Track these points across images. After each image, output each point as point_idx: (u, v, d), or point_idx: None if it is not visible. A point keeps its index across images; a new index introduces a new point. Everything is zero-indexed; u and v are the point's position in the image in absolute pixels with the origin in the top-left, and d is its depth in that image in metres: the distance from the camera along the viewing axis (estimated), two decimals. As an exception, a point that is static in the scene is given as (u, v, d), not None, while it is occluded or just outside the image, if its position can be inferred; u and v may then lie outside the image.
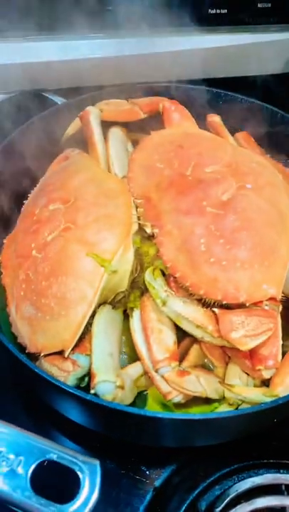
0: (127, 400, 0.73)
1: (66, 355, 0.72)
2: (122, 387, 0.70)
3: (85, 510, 0.48)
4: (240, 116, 1.05)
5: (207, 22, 1.07)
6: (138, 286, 0.79)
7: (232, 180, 0.78)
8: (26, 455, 0.52)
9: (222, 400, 0.76)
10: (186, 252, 0.73)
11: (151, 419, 0.65)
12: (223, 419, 0.66)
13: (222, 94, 1.06)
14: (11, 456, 0.51)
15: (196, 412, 0.77)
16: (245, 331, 0.68)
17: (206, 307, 0.72)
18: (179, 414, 0.66)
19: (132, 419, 0.66)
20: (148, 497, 0.78)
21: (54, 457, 0.51)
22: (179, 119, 0.94)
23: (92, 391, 0.69)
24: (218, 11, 1.05)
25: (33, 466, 0.51)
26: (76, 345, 0.73)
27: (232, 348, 0.71)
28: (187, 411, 0.78)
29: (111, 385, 0.69)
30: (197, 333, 0.72)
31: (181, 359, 0.76)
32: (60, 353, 0.73)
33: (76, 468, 0.51)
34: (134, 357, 0.78)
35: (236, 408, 0.75)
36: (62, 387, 0.65)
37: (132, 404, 0.75)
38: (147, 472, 0.81)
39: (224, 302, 0.71)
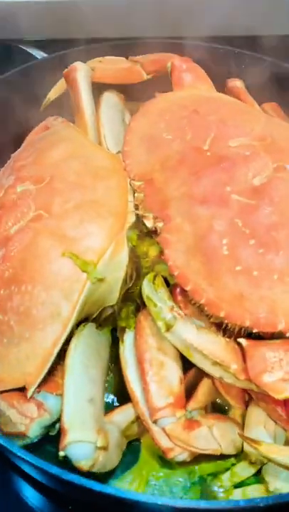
0: (111, 464, 0.60)
1: (29, 395, 0.60)
2: (104, 448, 0.55)
3: None
4: (266, 82, 0.91)
5: None
6: (132, 299, 0.68)
7: (267, 159, 0.65)
8: None
9: (240, 454, 0.64)
10: (201, 255, 0.61)
11: (137, 505, 0.47)
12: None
13: (246, 55, 0.94)
14: None
15: (205, 470, 0.66)
16: (283, 373, 0.55)
17: (229, 336, 0.59)
18: (177, 501, 0.49)
19: (111, 500, 0.47)
20: None
21: None
22: (192, 80, 0.81)
23: (61, 453, 0.54)
24: None
25: None
26: (44, 381, 0.61)
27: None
28: (193, 469, 0.66)
29: (89, 446, 0.54)
30: (214, 371, 0.58)
31: (186, 395, 0.64)
32: (22, 389, 0.62)
33: None
34: (124, 393, 0.66)
35: (260, 468, 0.63)
36: (13, 451, 0.46)
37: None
38: None
39: (254, 330, 0.58)
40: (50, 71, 0.90)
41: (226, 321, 0.59)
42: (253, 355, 0.55)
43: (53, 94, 0.92)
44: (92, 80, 0.86)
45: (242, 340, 0.57)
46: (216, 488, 0.64)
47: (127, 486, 0.63)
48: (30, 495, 0.70)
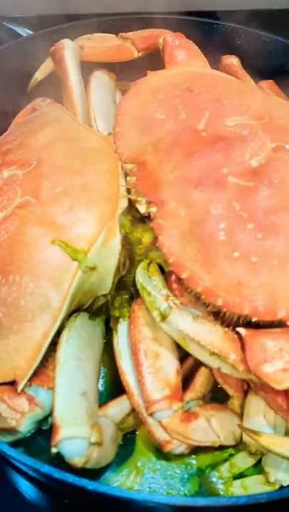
0: (106, 459, 0.57)
1: (19, 389, 0.57)
2: (98, 444, 0.52)
3: None
4: (263, 59, 0.89)
5: None
6: (126, 288, 0.66)
7: (265, 138, 0.62)
8: None
9: (239, 444, 0.63)
10: (197, 241, 0.58)
11: (133, 503, 0.44)
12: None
13: (240, 30, 0.91)
14: None
15: (203, 462, 0.65)
16: (284, 362, 0.52)
17: (227, 325, 0.57)
18: (176, 499, 0.45)
19: (106, 497, 0.45)
20: None
21: None
22: (185, 56, 0.79)
23: (53, 449, 0.51)
24: None
25: None
26: (35, 374, 0.58)
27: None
28: (190, 461, 0.64)
29: (82, 442, 0.51)
30: (212, 362, 0.56)
31: (183, 385, 0.62)
32: (12, 383, 0.59)
33: None
34: (118, 381, 0.64)
35: (260, 458, 0.62)
36: (3, 450, 0.44)
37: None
38: None
39: (253, 319, 0.56)
40: (37, 49, 0.87)
41: (223, 310, 0.56)
42: (252, 345, 0.53)
43: (40, 74, 0.89)
44: (81, 59, 0.83)
45: (241, 330, 0.54)
46: (214, 480, 0.62)
47: (122, 480, 0.61)
48: (27, 489, 0.68)
